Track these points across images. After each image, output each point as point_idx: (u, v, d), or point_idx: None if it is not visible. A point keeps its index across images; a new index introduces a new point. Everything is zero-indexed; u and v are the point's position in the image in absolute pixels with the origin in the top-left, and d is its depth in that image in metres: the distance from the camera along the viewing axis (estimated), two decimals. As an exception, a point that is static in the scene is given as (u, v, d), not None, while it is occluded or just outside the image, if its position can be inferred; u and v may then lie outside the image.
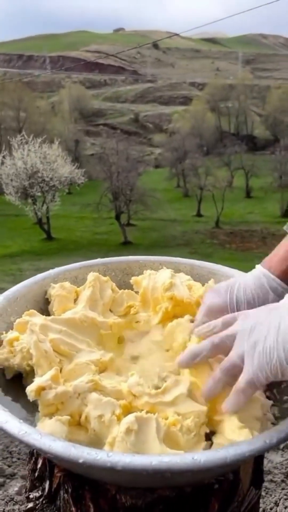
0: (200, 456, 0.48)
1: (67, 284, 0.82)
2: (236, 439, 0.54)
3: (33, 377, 0.66)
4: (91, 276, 0.82)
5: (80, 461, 0.47)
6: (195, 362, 0.61)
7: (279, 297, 0.68)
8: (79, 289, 0.82)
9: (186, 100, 65.30)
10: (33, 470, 0.72)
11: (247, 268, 0.90)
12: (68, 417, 0.57)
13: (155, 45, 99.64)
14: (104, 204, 21.25)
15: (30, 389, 0.59)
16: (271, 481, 1.66)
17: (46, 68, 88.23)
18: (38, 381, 0.60)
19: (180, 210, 25.81)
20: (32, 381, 0.65)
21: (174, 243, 20.58)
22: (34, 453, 0.75)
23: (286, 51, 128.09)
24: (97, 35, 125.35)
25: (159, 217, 23.76)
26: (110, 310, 0.80)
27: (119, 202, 21.35)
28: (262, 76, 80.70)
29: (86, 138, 46.11)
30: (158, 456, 0.48)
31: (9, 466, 1.95)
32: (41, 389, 0.59)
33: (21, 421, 0.53)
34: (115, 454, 0.48)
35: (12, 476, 1.90)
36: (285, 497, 1.56)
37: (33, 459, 0.74)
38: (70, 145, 34.41)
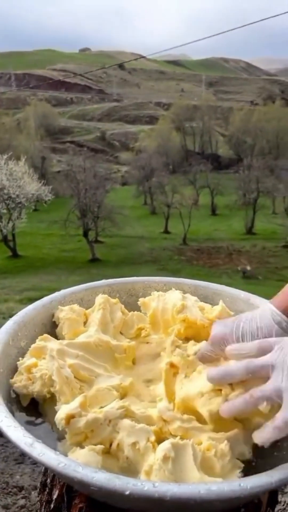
0: (246, 482, 0.48)
1: (76, 306, 0.81)
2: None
3: (52, 404, 0.65)
4: (100, 298, 0.81)
5: (127, 492, 0.46)
6: (224, 382, 0.61)
7: (283, 330, 0.69)
8: (87, 311, 0.81)
9: (152, 119, 66.48)
10: (48, 502, 0.69)
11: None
12: (102, 446, 0.56)
13: (121, 66, 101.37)
14: (72, 221, 21.13)
15: (60, 417, 0.58)
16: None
17: (11, 85, 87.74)
18: (66, 409, 0.58)
19: (147, 227, 26.02)
20: (52, 408, 0.63)
21: (142, 259, 20.65)
22: (47, 483, 0.72)
23: (246, 75, 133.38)
24: (63, 54, 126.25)
25: (127, 234, 23.84)
26: (121, 333, 0.80)
27: (87, 219, 21.29)
28: (225, 98, 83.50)
29: (53, 155, 45.88)
30: (204, 485, 0.47)
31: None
32: (71, 417, 0.57)
33: (57, 452, 0.52)
34: (161, 485, 0.47)
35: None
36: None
37: (47, 490, 0.71)
38: (36, 162, 34.13)
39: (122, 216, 23.20)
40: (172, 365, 0.66)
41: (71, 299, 0.87)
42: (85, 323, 0.80)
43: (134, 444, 0.56)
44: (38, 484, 0.75)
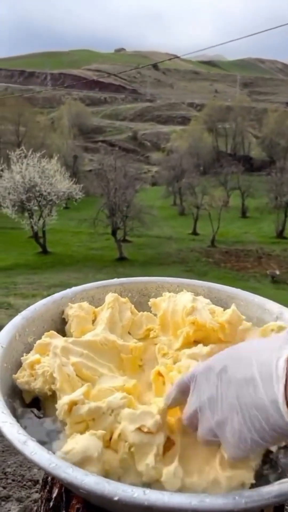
0: (241, 496, 0.46)
1: (85, 304, 0.80)
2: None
3: (53, 402, 0.64)
4: (110, 297, 0.80)
5: (115, 498, 0.44)
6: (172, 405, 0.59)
7: None
8: (97, 309, 0.80)
9: (184, 120, 66.24)
10: (48, 500, 0.69)
11: (242, 288, 0.89)
12: (103, 432, 0.55)
13: (155, 66, 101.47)
14: (101, 219, 21.32)
15: (63, 403, 0.57)
16: None
17: (47, 85, 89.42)
18: (70, 396, 0.58)
19: (175, 228, 25.93)
20: (52, 406, 0.63)
21: (169, 260, 20.59)
22: (48, 481, 0.72)
23: (283, 76, 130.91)
24: (98, 54, 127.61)
25: (155, 234, 23.83)
26: (129, 333, 0.78)
27: (116, 218, 21.42)
28: (259, 99, 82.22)
29: (85, 154, 46.44)
30: (197, 496, 0.45)
31: (4, 488, 1.89)
32: (73, 404, 0.56)
33: (50, 452, 0.51)
34: (152, 492, 0.45)
35: (7, 498, 1.84)
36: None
37: (47, 487, 0.71)
38: (68, 160, 34.64)
39: (150, 216, 23.19)
40: (159, 374, 0.65)
41: (82, 296, 0.86)
42: (93, 321, 0.79)
43: (139, 428, 0.54)
44: (40, 480, 0.75)
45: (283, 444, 0.53)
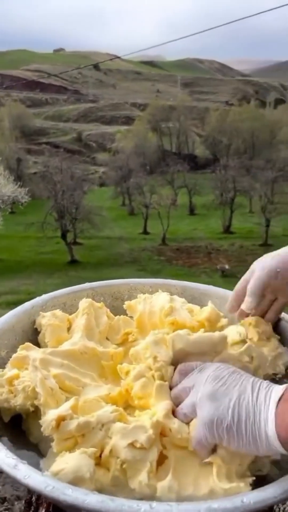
0: (249, 498, 0.46)
1: (58, 312, 0.76)
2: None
3: (36, 418, 0.60)
4: (84, 302, 0.77)
5: None
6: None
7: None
8: (71, 317, 0.77)
9: (128, 120, 66.43)
10: (34, 522, 0.65)
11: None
12: (94, 449, 0.52)
13: (96, 66, 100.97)
14: (49, 223, 20.92)
15: (50, 419, 0.53)
16: None
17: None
18: (57, 411, 0.54)
19: (126, 228, 25.99)
20: (36, 423, 0.59)
21: (122, 260, 20.60)
22: (32, 501, 0.68)
23: (221, 75, 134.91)
24: (37, 54, 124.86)
25: (105, 235, 23.76)
26: (107, 338, 0.76)
27: (65, 221, 21.11)
28: (200, 98, 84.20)
29: (28, 156, 45.30)
30: (205, 503, 0.45)
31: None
32: (61, 419, 0.53)
33: (44, 473, 0.48)
34: (159, 505, 0.44)
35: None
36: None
37: (32, 509, 0.66)
38: (12, 163, 33.65)
39: (100, 217, 23.10)
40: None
41: (53, 304, 0.82)
42: (68, 329, 0.75)
43: (132, 444, 0.52)
44: (23, 502, 0.70)
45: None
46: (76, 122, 69.19)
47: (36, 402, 0.58)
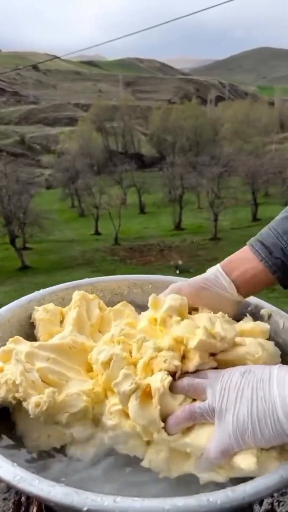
0: (215, 497, 0.45)
1: (50, 306, 0.76)
2: (244, 468, 0.51)
3: (20, 412, 0.60)
4: (76, 295, 0.76)
5: (85, 509, 0.43)
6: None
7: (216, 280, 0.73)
8: (64, 310, 0.76)
9: (72, 121, 65.65)
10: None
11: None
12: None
13: (36, 67, 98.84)
14: (-4, 229, 20.33)
15: (32, 401, 0.56)
16: None
17: None
18: (37, 397, 0.56)
19: (77, 230, 25.72)
20: (20, 416, 0.60)
21: (74, 263, 20.37)
22: (22, 502, 0.67)
23: (162, 74, 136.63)
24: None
25: (56, 238, 23.40)
26: (99, 331, 0.75)
27: (13, 226, 20.57)
28: (143, 97, 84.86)
29: None
30: (170, 500, 0.44)
31: None
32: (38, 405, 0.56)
33: (15, 464, 0.48)
34: (123, 500, 0.44)
35: None
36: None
37: (23, 509, 0.65)
38: None
39: (50, 221, 22.71)
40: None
41: (51, 299, 0.81)
42: (61, 322, 0.75)
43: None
44: (11, 504, 0.69)
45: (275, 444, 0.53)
46: (18, 125, 67.43)
47: (17, 395, 0.57)
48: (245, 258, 0.75)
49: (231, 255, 0.77)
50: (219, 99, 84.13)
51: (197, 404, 0.56)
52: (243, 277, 0.73)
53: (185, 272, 16.55)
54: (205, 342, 0.59)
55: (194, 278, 0.75)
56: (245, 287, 0.73)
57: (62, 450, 0.60)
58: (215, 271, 0.74)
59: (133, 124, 55.77)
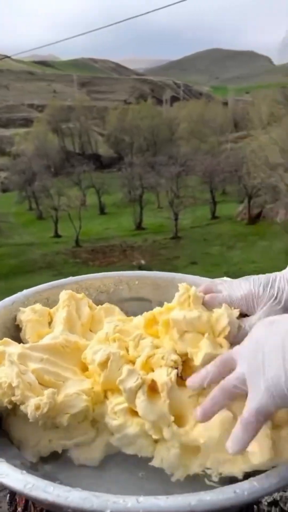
0: (242, 488, 0.44)
1: (38, 306, 0.74)
2: (261, 453, 0.51)
3: (15, 418, 0.59)
4: (64, 294, 0.75)
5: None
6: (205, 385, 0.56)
7: None
8: (52, 310, 0.75)
9: (27, 122, 64.18)
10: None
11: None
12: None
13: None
14: None
15: (32, 404, 0.54)
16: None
17: None
18: (37, 399, 0.55)
19: (36, 233, 25.19)
20: (14, 422, 0.58)
21: (35, 267, 19.95)
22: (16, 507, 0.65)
23: (117, 74, 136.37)
24: None
25: (15, 242, 22.83)
26: (90, 330, 0.74)
27: None
28: (98, 98, 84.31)
29: None
30: (195, 495, 0.43)
31: None
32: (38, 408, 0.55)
33: (24, 472, 0.45)
34: (146, 500, 0.42)
35: None
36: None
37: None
38: None
39: (7, 224, 22.16)
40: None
41: (36, 299, 0.80)
42: (50, 323, 0.74)
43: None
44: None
45: None
46: None
47: (13, 398, 0.55)
48: None
49: None
50: (174, 99, 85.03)
51: (228, 377, 0.52)
52: None
53: (148, 271, 16.68)
54: (211, 355, 0.57)
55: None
56: None
57: (64, 455, 0.58)
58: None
59: (90, 125, 55.30)
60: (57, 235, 24.30)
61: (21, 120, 67.63)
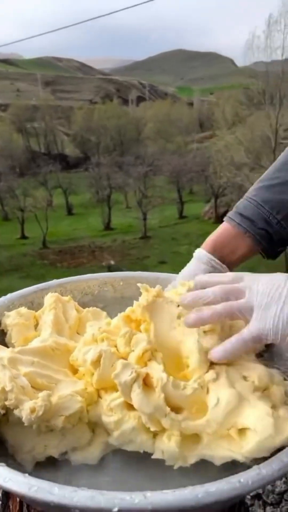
0: (246, 478, 0.44)
1: (23, 310, 0.74)
2: (263, 430, 0.51)
3: (8, 424, 0.58)
4: (50, 297, 0.74)
5: (115, 510, 0.40)
6: (198, 305, 0.59)
7: (213, 268, 0.72)
8: (37, 314, 0.74)
9: (-10, 121, 62.72)
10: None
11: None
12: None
13: None
14: None
15: (27, 407, 0.54)
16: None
17: None
18: (32, 402, 0.55)
19: (2, 235, 24.63)
20: (9, 430, 0.57)
21: (1, 269, 19.50)
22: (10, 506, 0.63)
23: (82, 74, 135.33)
24: None
25: (-21, 244, 22.25)
26: (78, 333, 0.74)
27: None
28: (63, 97, 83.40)
29: None
30: (201, 487, 0.43)
31: None
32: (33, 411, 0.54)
33: (26, 474, 0.45)
34: (153, 495, 0.42)
35: None
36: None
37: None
38: None
39: (-29, 226, 21.54)
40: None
41: (20, 303, 0.79)
42: (36, 326, 0.73)
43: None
44: None
45: None
46: None
47: (7, 403, 0.55)
48: (229, 236, 0.73)
49: (212, 235, 0.73)
50: (140, 99, 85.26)
51: (237, 301, 0.56)
52: (233, 256, 0.72)
53: (118, 271, 16.66)
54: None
55: (187, 270, 0.72)
56: (234, 265, 0.73)
57: (61, 459, 0.57)
58: (207, 259, 0.71)
59: (55, 124, 54.63)
60: (23, 237, 23.88)
61: (-16, 120, 65.98)
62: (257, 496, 1.42)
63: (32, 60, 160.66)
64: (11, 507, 0.61)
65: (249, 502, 1.45)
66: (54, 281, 0.86)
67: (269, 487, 1.46)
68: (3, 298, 0.79)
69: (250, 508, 1.43)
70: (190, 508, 0.41)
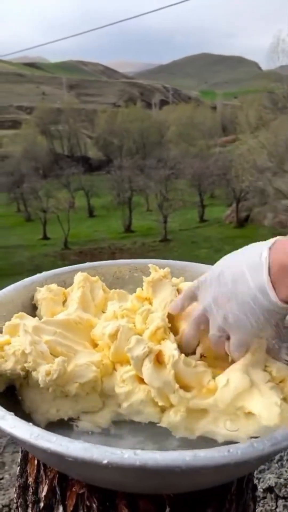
0: (236, 448, 0.46)
1: (53, 286, 0.78)
2: (268, 418, 0.53)
3: (28, 387, 0.62)
4: (79, 276, 0.78)
5: (105, 461, 0.43)
6: (189, 348, 0.65)
7: None
8: (67, 291, 0.79)
9: (15, 124, 63.84)
10: (35, 502, 0.65)
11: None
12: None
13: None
14: None
15: (43, 369, 0.58)
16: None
17: None
18: (48, 366, 0.59)
19: (24, 235, 25.03)
20: (27, 391, 0.61)
21: (22, 269, 19.78)
22: (29, 484, 0.67)
23: (106, 78, 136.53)
24: None
25: (2, 244, 22.64)
26: (103, 312, 0.77)
27: None
28: (87, 100, 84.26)
29: None
30: (191, 451, 0.45)
31: None
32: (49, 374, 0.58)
33: (30, 424, 0.49)
34: (143, 453, 0.44)
35: None
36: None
37: (31, 490, 0.66)
38: None
39: (-6, 226, 21.97)
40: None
41: (53, 281, 0.83)
42: (64, 302, 0.77)
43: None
44: (15, 489, 0.69)
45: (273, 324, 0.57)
46: None
47: (26, 365, 0.58)
48: None
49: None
50: (163, 103, 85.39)
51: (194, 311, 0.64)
52: None
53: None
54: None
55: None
56: None
57: (70, 423, 0.61)
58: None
59: (79, 127, 55.23)
60: (45, 237, 24.20)
61: (10, 122, 67.26)
62: (269, 490, 1.43)
63: (58, 64, 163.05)
64: (28, 471, 0.65)
65: (261, 495, 1.45)
66: (87, 264, 0.92)
67: (282, 480, 1.46)
68: (38, 275, 0.84)
69: (262, 501, 1.43)
70: (177, 469, 0.42)
